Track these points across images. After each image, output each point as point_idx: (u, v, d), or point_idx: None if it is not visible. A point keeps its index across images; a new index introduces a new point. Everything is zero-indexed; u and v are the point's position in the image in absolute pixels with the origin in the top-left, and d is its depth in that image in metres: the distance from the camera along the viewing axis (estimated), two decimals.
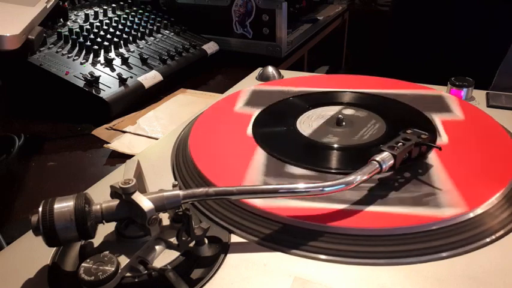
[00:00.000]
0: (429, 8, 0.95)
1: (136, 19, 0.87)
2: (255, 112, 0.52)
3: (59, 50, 0.71)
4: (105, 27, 0.81)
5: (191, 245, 0.30)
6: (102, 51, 0.74)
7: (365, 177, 0.33)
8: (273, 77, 0.67)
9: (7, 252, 0.34)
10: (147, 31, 0.85)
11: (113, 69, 0.71)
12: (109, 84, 0.67)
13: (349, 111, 0.51)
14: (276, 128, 0.48)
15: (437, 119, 0.48)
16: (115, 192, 0.30)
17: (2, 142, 0.55)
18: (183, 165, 0.43)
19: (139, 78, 0.71)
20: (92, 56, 0.72)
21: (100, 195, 0.32)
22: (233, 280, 0.29)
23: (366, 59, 1.72)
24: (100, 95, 0.64)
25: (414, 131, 0.40)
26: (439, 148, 0.40)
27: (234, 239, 0.33)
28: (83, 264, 0.26)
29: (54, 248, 0.32)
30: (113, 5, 0.89)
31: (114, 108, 0.65)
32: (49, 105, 0.69)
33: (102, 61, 0.71)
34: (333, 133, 0.46)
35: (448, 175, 0.38)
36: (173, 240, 0.30)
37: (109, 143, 0.58)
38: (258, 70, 0.69)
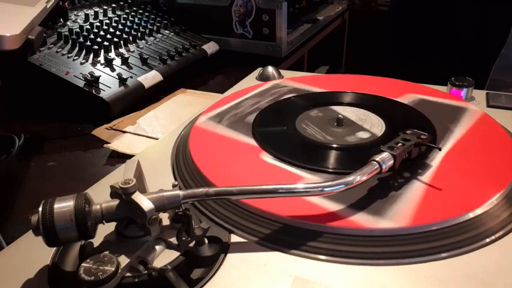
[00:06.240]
0: (428, 8, 0.95)
1: (136, 19, 0.87)
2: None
3: (59, 50, 0.71)
4: (105, 27, 0.81)
5: (191, 245, 0.30)
6: (102, 51, 0.74)
7: (364, 178, 0.33)
8: (273, 77, 0.67)
9: (7, 252, 0.34)
10: (147, 31, 0.85)
11: (113, 69, 0.71)
12: (109, 84, 0.67)
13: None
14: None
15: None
16: (115, 192, 0.30)
17: (2, 142, 0.55)
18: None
19: (139, 78, 0.71)
20: (92, 56, 0.72)
21: (100, 195, 0.32)
22: (233, 280, 0.29)
23: (366, 59, 1.72)
24: (100, 95, 0.64)
25: (414, 131, 0.40)
26: (439, 149, 0.40)
27: (234, 239, 0.33)
28: (83, 264, 0.26)
29: (54, 248, 0.32)
30: (113, 5, 0.89)
31: (114, 108, 0.65)
32: (49, 105, 0.69)
33: (102, 61, 0.71)
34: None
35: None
36: (173, 240, 0.30)
37: (109, 143, 0.58)
38: (258, 70, 0.69)
